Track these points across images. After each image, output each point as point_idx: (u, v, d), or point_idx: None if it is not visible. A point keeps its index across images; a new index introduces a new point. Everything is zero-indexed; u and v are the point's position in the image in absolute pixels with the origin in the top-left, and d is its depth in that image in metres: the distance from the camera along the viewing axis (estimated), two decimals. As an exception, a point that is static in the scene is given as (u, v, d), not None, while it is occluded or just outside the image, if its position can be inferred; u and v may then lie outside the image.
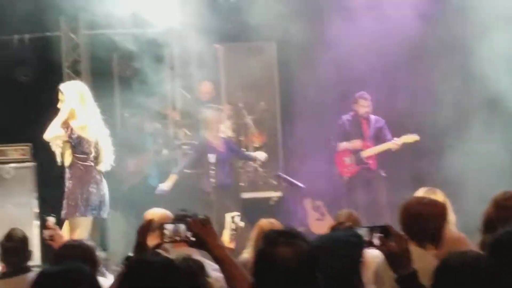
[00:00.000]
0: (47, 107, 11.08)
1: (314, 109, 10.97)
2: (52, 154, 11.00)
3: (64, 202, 7.42)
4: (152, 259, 3.12)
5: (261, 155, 10.30)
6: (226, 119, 10.66)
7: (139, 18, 10.58)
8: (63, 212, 7.37)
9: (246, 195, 10.78)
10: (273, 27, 10.17)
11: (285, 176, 10.41)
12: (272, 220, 6.35)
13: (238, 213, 6.02)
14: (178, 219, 3.89)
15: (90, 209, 7.37)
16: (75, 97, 7.37)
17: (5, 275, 5.19)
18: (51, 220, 5.76)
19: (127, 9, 10.04)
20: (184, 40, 11.20)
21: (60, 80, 11.37)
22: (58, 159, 7.49)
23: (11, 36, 11.16)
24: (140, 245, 3.62)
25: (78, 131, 7.33)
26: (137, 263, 3.11)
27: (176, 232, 3.47)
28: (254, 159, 10.45)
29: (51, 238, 5.61)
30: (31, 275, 5.24)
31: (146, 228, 3.65)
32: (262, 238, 3.04)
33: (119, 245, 9.98)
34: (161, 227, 3.51)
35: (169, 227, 3.48)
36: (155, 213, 5.67)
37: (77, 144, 7.39)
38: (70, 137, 7.38)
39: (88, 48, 11.52)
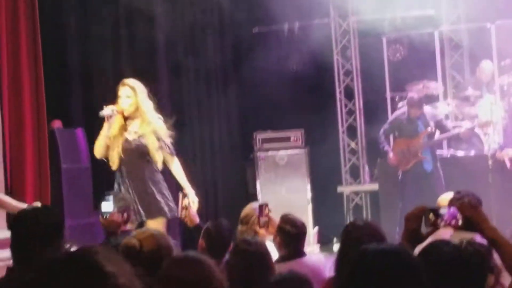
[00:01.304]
0: (318, 93, 11.34)
1: None
2: (323, 140, 11.29)
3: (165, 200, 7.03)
4: (444, 247, 3.00)
5: None
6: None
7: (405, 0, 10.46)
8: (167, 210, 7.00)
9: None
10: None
11: None
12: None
13: None
14: (450, 203, 3.80)
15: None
16: (145, 95, 6.98)
17: (284, 258, 5.36)
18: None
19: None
20: (455, 20, 10.93)
21: (331, 67, 11.57)
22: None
23: (282, 25, 11.44)
24: (413, 231, 3.52)
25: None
26: (429, 250, 3.02)
27: (451, 216, 3.41)
28: None
29: (267, 224, 5.79)
30: (307, 258, 5.40)
31: (420, 214, 3.54)
32: None
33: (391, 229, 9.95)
34: (434, 212, 3.43)
35: (443, 212, 3.41)
36: (444, 198, 5.62)
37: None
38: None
39: (357, 34, 11.56)
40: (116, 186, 6.93)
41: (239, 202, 9.76)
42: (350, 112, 11.63)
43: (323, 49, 11.21)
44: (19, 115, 7.75)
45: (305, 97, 11.19)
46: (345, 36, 11.63)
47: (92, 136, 9.76)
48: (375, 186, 10.94)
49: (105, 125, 6.82)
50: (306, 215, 10.15)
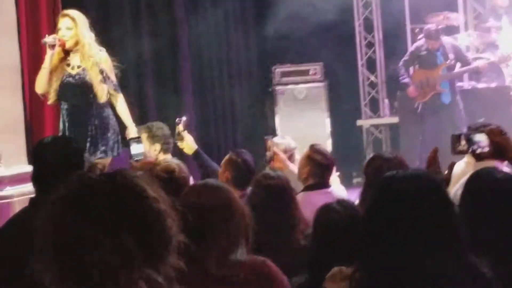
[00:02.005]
0: (337, 26, 11.19)
1: None
2: (342, 73, 11.20)
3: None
4: (496, 174, 2.93)
5: None
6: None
7: None
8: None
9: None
10: None
11: None
12: None
13: None
14: (473, 129, 3.74)
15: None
16: (86, 26, 6.58)
17: (310, 188, 5.36)
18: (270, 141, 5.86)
19: None
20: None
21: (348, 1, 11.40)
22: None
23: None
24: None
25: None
26: (481, 177, 2.97)
27: (472, 143, 3.36)
28: None
29: (272, 158, 5.75)
30: (332, 189, 5.46)
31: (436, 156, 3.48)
32: None
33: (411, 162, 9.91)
34: (467, 137, 3.37)
35: (478, 138, 3.35)
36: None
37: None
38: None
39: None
40: (61, 125, 6.57)
41: (258, 137, 9.76)
42: (370, 45, 11.51)
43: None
44: (37, 52, 7.72)
45: (324, 30, 11.05)
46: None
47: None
48: (395, 119, 10.89)
49: (47, 57, 6.45)
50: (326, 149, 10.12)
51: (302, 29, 10.97)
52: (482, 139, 3.34)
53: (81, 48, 6.47)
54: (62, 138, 3.82)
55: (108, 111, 6.59)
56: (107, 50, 6.47)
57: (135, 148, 5.55)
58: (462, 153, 3.43)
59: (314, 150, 5.55)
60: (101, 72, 6.46)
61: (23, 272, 3.26)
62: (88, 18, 6.65)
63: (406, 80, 9.91)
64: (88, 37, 6.48)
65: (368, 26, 11.50)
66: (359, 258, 2.46)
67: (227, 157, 5.57)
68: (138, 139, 5.69)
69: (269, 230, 4.01)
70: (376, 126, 11.34)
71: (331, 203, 3.53)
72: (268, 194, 4.26)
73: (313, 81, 10.62)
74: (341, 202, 3.52)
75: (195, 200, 2.96)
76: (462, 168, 4.36)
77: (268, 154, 5.76)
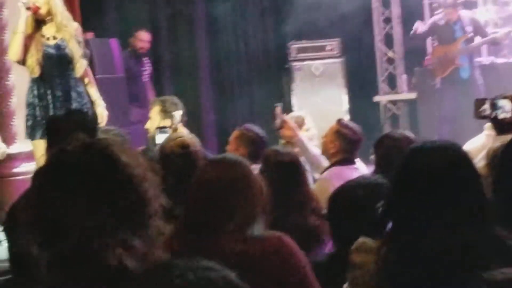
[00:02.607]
0: (354, 2, 11.09)
1: None
2: (359, 49, 11.10)
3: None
4: None
5: None
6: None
7: None
8: None
9: None
10: None
11: None
12: None
13: None
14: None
15: None
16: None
17: (338, 162, 5.30)
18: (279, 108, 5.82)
19: None
20: None
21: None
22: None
23: None
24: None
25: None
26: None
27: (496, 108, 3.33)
28: None
29: (282, 125, 5.71)
30: (357, 166, 5.40)
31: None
32: None
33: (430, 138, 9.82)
34: (492, 102, 3.34)
35: (502, 103, 3.32)
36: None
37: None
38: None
39: None
40: (30, 98, 6.24)
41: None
42: (387, 20, 11.40)
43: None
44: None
45: (341, 5, 10.96)
46: None
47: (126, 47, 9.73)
48: (412, 95, 10.80)
49: (21, 20, 6.25)
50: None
51: (319, 5, 10.87)
52: (506, 104, 3.30)
53: (54, 17, 6.34)
54: (75, 111, 3.78)
55: (82, 86, 6.46)
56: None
57: (160, 138, 5.51)
58: (485, 118, 3.39)
59: (342, 125, 5.46)
60: (79, 43, 6.38)
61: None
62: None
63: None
64: (60, 6, 6.38)
65: (386, 1, 11.38)
66: (385, 232, 2.41)
67: (236, 133, 5.48)
68: (163, 129, 5.66)
69: (278, 208, 3.97)
70: (394, 102, 11.26)
71: (356, 178, 3.47)
72: (278, 171, 4.19)
73: (330, 57, 10.54)
74: (367, 177, 3.47)
75: (213, 174, 2.92)
76: (483, 141, 4.29)
77: (278, 121, 5.70)
